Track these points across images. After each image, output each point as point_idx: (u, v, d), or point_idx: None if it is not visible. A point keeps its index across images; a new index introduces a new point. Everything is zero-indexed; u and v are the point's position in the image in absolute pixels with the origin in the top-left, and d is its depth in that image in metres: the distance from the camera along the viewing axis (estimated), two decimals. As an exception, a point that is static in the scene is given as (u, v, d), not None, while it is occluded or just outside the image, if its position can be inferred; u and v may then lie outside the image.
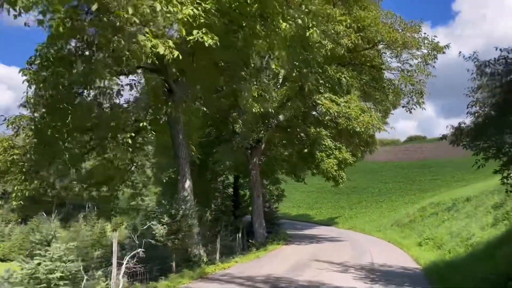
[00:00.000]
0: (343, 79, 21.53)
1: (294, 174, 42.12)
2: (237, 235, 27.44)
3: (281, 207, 64.36)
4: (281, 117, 30.67)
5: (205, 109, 17.95)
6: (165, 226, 14.78)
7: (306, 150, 34.51)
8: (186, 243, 15.45)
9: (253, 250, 24.01)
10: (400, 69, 23.29)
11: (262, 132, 26.77)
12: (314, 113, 25.57)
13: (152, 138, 19.26)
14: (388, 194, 53.19)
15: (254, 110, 17.16)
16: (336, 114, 21.31)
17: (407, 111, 24.73)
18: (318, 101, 21.43)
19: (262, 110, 17.78)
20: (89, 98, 14.33)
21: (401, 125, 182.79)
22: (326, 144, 33.77)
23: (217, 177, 33.01)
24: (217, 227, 32.37)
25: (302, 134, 34.84)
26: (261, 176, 31.72)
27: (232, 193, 35.47)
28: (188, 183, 17.30)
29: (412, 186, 54.30)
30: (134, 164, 19.86)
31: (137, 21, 8.87)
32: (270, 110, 26.64)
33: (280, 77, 25.65)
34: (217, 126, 28.82)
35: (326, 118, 21.76)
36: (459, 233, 17.27)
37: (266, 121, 26.97)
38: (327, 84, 22.00)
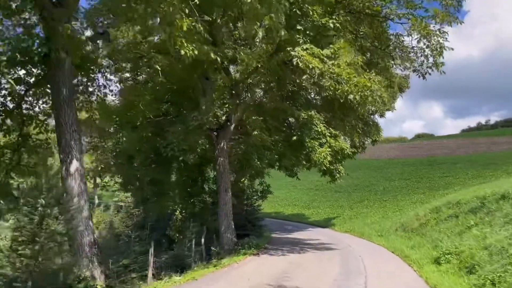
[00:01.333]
0: (330, 24, 14.87)
1: (282, 166, 35.85)
2: (201, 240, 21.10)
3: (275, 206, 57.97)
4: (258, 91, 24.17)
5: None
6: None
7: (294, 138, 28.13)
8: (48, 260, 9.08)
9: (212, 261, 17.74)
10: (411, 15, 16.31)
11: (229, 106, 20.31)
12: (293, 76, 18.87)
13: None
14: (393, 192, 46.40)
15: (184, 52, 10.73)
16: (318, 72, 14.60)
17: (419, 77, 17.92)
18: (293, 53, 14.76)
19: (196, 54, 11.28)
20: None
21: (408, 124, 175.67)
22: (318, 129, 27.32)
23: (200, 168, 26.77)
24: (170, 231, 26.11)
25: (290, 119, 28.53)
26: (236, 166, 25.30)
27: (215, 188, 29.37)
28: (75, 166, 10.94)
29: (420, 184, 47.46)
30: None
31: None
32: (236, 75, 20.30)
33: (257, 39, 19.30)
34: (177, 101, 22.47)
35: (304, 78, 14.97)
36: (505, 248, 10.70)
37: (237, 94, 20.53)
38: (308, 32, 15.37)
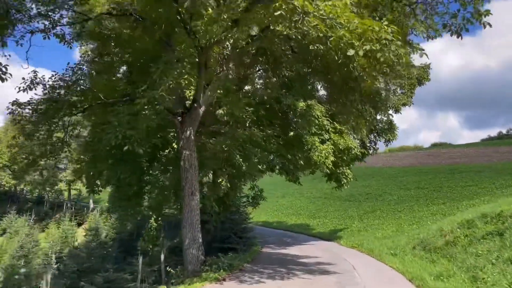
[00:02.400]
0: None
1: (283, 170, 30.74)
2: (161, 256, 16.17)
3: (278, 215, 52.48)
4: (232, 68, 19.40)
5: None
6: None
7: (292, 133, 22.99)
8: None
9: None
10: None
11: (196, 82, 15.28)
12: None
13: None
14: (408, 202, 40.63)
15: None
16: (303, 12, 9.33)
17: (452, 35, 12.44)
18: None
19: None
20: None
21: (423, 135, 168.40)
22: (320, 123, 22.22)
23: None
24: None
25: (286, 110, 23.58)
26: (215, 163, 20.22)
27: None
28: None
29: (439, 194, 41.58)
30: None
31: None
32: (201, 39, 15.32)
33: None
34: (136, 78, 17.57)
35: (278, 13, 9.69)
36: None
37: (205, 65, 15.48)
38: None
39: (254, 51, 26.21)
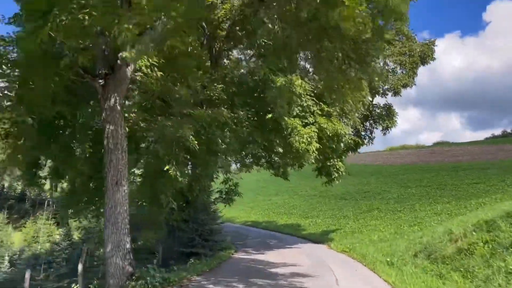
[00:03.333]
0: None
1: (267, 163, 26.83)
2: (78, 267, 12.20)
3: (269, 214, 48.23)
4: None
5: None
6: None
7: (270, 115, 18.87)
8: None
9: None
10: None
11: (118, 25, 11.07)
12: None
13: None
14: (409, 201, 36.35)
15: None
16: None
17: None
18: None
19: None
20: None
21: (425, 136, 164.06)
22: (303, 103, 18.17)
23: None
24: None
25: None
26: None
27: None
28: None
29: (443, 192, 37.26)
30: None
31: None
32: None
33: None
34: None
35: None
36: None
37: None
38: None
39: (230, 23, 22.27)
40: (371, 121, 25.65)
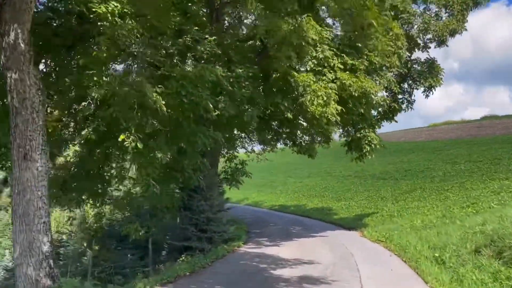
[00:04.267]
0: None
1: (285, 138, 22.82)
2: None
3: (298, 197, 43.91)
4: None
5: None
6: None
7: (277, 74, 14.62)
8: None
9: None
10: None
11: None
12: None
13: None
14: (458, 178, 31.03)
15: None
16: None
17: None
18: None
19: None
20: None
21: (470, 112, 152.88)
22: (319, 54, 13.72)
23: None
24: None
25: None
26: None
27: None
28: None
29: (499, 167, 31.62)
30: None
31: None
32: None
33: None
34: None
35: None
36: None
37: None
38: None
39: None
40: (410, 81, 20.77)
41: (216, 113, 13.72)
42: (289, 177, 53.31)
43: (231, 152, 19.63)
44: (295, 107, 14.76)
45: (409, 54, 20.05)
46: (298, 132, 24.43)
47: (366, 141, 19.85)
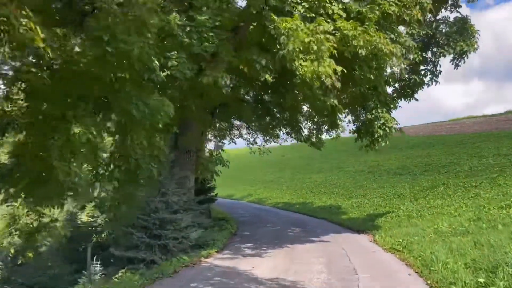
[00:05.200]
0: None
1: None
2: None
3: (306, 194, 39.56)
4: None
5: None
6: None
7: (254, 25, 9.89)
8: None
9: None
10: None
11: None
12: None
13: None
14: (487, 173, 26.40)
15: None
16: None
17: None
18: None
19: None
20: None
21: (491, 110, 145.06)
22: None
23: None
24: None
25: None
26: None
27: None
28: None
29: (534, 161, 27.02)
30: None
31: None
32: None
33: None
34: None
35: None
36: None
37: None
38: None
39: None
40: (434, 49, 16.38)
41: (164, 74, 9.76)
42: (298, 173, 49.09)
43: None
44: (276, 68, 10.69)
45: (432, 15, 15.68)
46: (301, 118, 20.53)
47: (379, 124, 15.63)
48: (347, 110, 19.52)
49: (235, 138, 30.19)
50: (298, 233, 19.14)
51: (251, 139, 31.09)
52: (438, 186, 26.53)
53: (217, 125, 27.54)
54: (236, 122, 29.42)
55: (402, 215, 21.12)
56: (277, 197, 39.19)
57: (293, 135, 22.10)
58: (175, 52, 9.91)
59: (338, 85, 10.45)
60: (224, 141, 31.62)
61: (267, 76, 10.76)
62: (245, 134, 31.21)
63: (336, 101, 11.31)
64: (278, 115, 21.38)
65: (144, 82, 9.58)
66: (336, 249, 14.25)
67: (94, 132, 9.52)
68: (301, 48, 9.27)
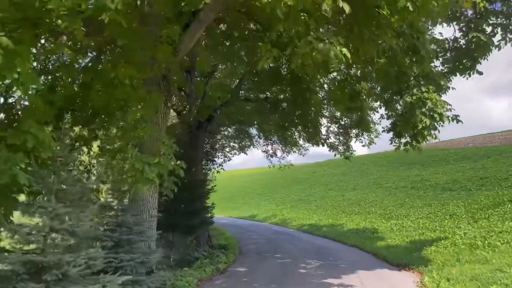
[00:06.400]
0: None
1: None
2: None
3: (337, 214, 33.51)
4: None
5: None
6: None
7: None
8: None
9: None
10: None
11: None
12: None
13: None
14: None
15: None
16: None
17: None
18: None
19: None
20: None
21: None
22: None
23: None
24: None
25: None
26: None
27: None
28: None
29: None
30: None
31: None
32: None
33: None
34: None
35: None
36: None
37: None
38: None
39: None
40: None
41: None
42: (330, 190, 43.22)
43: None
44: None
45: None
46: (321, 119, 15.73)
47: (423, 110, 10.35)
48: (377, 102, 14.43)
49: (247, 150, 25.78)
50: (313, 269, 13.74)
51: (270, 150, 26.41)
52: (504, 204, 20.31)
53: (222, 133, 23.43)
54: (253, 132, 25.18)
55: (460, 243, 15.20)
56: (303, 218, 33.63)
57: (306, 136, 17.02)
58: None
59: (347, 9, 5.41)
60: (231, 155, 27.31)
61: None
62: (262, 145, 26.51)
63: (344, 48, 6.14)
64: (287, 110, 16.47)
65: None
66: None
67: None
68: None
